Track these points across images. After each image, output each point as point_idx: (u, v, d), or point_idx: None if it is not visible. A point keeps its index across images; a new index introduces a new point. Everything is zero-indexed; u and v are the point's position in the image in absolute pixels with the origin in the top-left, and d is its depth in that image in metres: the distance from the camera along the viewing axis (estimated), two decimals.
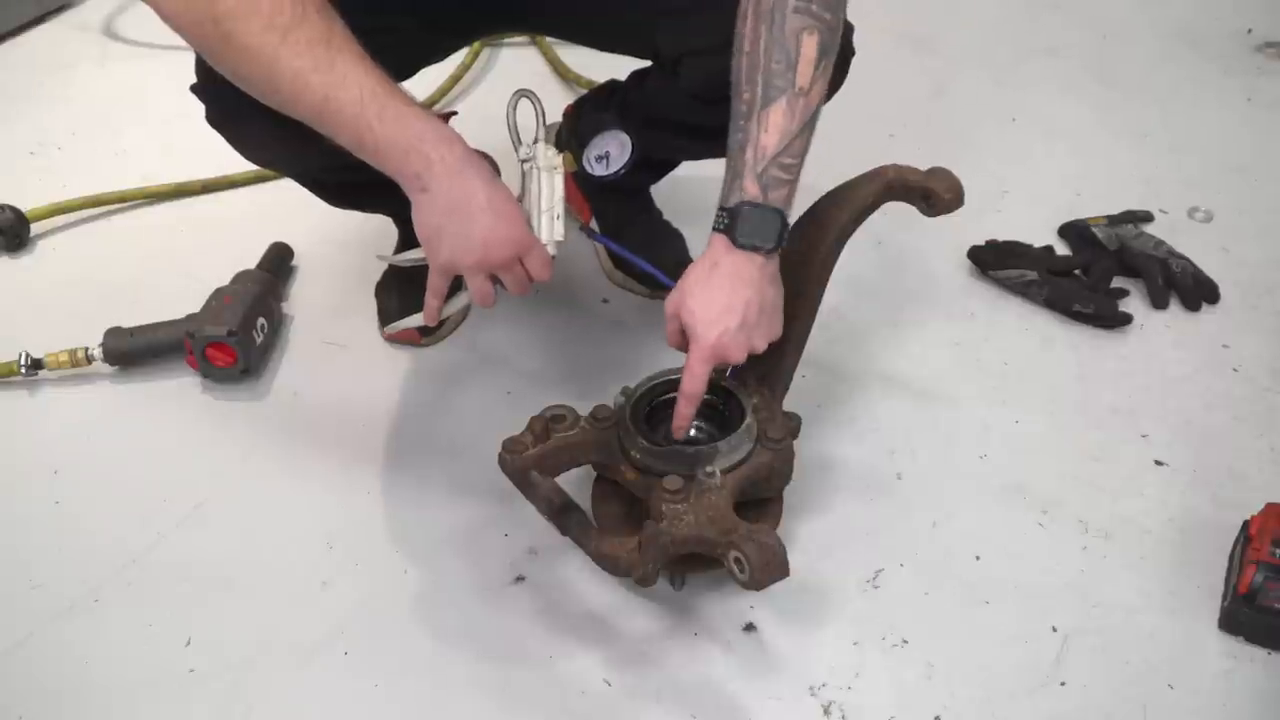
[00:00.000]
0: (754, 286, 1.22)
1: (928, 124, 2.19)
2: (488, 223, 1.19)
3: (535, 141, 1.33)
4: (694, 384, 1.24)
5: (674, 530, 1.18)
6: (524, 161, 1.33)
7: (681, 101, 1.40)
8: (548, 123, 1.45)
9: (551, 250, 1.28)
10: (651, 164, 1.59)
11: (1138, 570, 1.35)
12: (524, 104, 1.38)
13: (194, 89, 1.33)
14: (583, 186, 1.76)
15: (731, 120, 1.23)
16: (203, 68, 1.28)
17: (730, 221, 1.21)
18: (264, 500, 1.46)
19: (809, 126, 1.22)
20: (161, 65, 2.24)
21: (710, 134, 1.39)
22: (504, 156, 1.83)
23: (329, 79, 1.13)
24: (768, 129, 1.20)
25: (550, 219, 1.29)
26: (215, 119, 1.35)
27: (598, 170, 1.37)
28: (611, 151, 1.36)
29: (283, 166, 1.46)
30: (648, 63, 1.52)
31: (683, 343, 1.26)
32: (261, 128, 1.24)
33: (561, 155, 1.33)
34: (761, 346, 1.25)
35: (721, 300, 1.21)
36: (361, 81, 1.14)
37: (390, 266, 1.73)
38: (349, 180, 1.46)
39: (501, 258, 1.22)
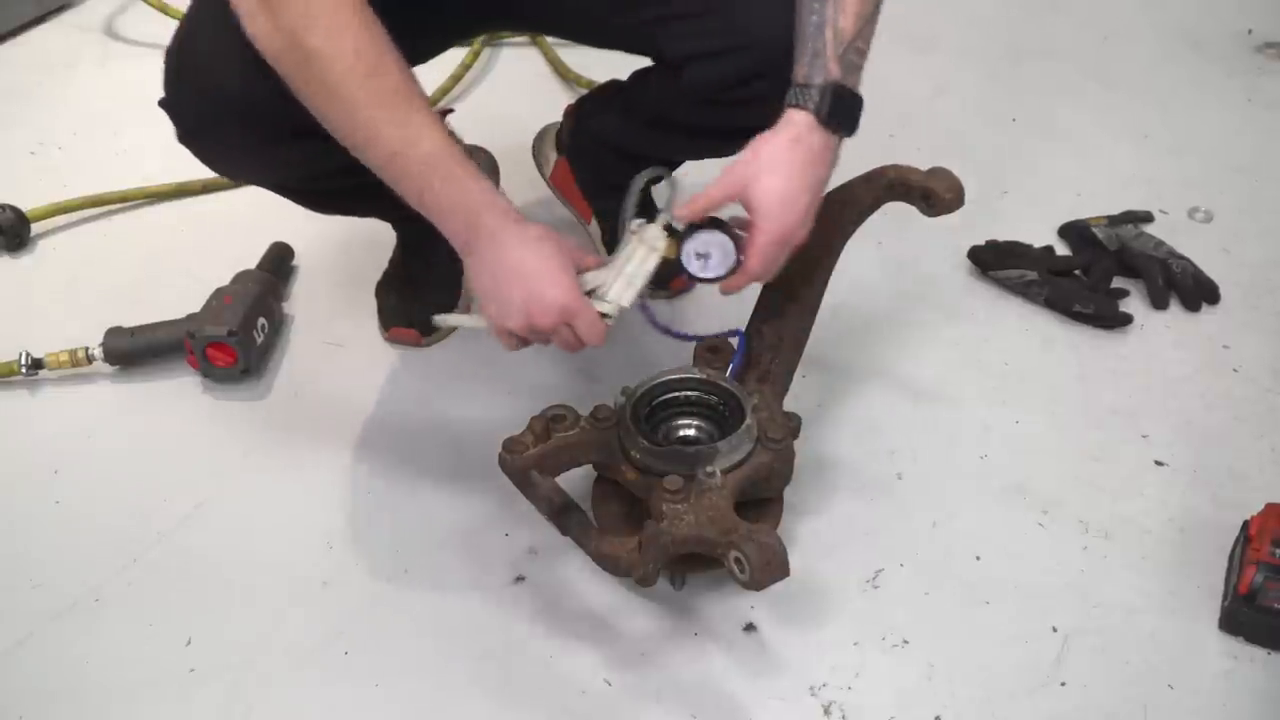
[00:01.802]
0: (827, 169, 1.20)
1: (928, 124, 2.19)
2: (529, 290, 1.17)
3: (652, 220, 1.26)
4: (768, 267, 1.20)
5: (674, 530, 1.18)
6: (632, 231, 1.27)
7: (685, 103, 1.40)
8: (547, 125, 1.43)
9: (611, 311, 1.22)
10: (652, 164, 1.59)
11: (1138, 570, 1.35)
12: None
13: (162, 103, 1.30)
14: (584, 187, 1.76)
15: (800, 1, 1.20)
16: (170, 81, 1.27)
17: (820, 99, 1.18)
18: (264, 500, 1.46)
19: (878, 12, 1.21)
20: (162, 65, 2.25)
21: (713, 135, 1.39)
22: (504, 156, 1.85)
23: (404, 134, 1.13)
24: (845, 12, 1.19)
25: (625, 283, 1.24)
26: (184, 135, 1.31)
27: (693, 268, 1.26)
28: (714, 255, 1.25)
29: (256, 179, 1.45)
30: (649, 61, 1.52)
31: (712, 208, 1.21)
32: (231, 143, 1.21)
33: (666, 241, 1.26)
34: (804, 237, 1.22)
35: (799, 179, 1.18)
36: (431, 142, 1.14)
37: (391, 265, 1.73)
38: (324, 189, 1.45)
39: (545, 323, 1.20)
